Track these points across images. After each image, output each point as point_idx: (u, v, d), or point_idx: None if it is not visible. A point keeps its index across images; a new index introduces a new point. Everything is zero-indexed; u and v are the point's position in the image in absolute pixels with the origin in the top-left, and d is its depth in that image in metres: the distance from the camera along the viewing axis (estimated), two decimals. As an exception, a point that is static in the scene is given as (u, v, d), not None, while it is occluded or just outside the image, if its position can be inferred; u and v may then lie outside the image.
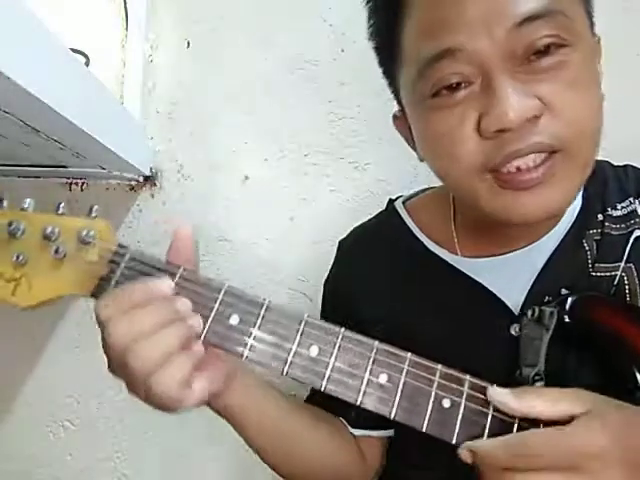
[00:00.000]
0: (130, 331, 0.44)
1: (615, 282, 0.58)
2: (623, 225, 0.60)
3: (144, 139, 1.04)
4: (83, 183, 1.04)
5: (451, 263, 0.64)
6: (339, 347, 0.48)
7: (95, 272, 0.50)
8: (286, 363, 0.47)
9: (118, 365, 0.46)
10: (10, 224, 0.50)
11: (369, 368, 0.48)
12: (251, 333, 0.48)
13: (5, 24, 0.53)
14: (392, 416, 0.47)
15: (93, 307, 0.47)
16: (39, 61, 0.61)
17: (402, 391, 0.47)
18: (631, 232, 0.59)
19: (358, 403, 0.47)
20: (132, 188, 1.05)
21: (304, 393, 0.75)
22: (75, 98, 0.69)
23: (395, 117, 0.64)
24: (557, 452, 0.43)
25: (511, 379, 0.55)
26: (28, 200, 0.52)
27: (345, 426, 0.70)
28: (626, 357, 0.52)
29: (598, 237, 0.60)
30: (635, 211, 0.61)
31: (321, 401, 0.69)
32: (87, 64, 0.92)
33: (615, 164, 0.66)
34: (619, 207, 0.61)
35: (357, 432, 0.70)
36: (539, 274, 0.60)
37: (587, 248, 0.60)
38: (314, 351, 0.48)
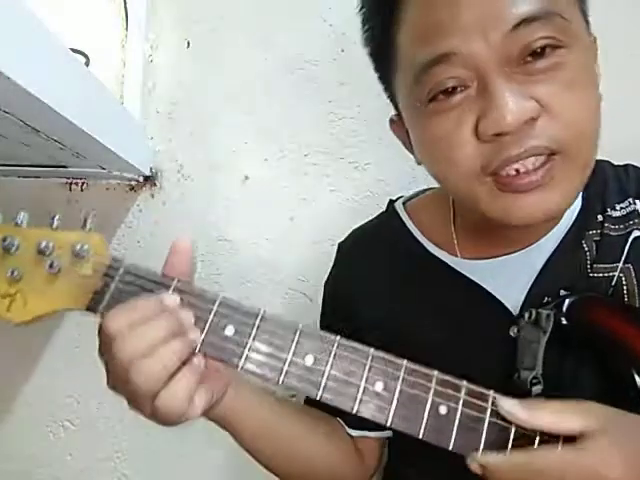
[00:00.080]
0: (139, 346, 0.44)
1: (613, 283, 0.58)
2: (622, 226, 0.60)
3: (144, 139, 1.04)
4: (83, 183, 1.04)
5: (451, 265, 0.64)
6: (334, 355, 0.48)
7: (89, 286, 0.50)
8: (281, 373, 0.47)
9: (122, 382, 0.45)
10: (4, 239, 0.50)
11: (365, 376, 0.47)
12: (246, 344, 0.48)
13: (5, 24, 0.53)
14: (388, 424, 0.47)
15: (99, 322, 0.47)
16: (39, 61, 0.61)
17: (398, 399, 0.47)
18: (630, 232, 0.59)
19: (354, 411, 0.47)
20: (132, 188, 1.04)
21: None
22: (75, 98, 0.69)
23: (392, 121, 0.64)
24: (566, 472, 0.43)
25: (509, 382, 0.55)
26: (22, 214, 0.52)
27: (342, 426, 0.70)
28: (624, 359, 0.52)
29: (597, 238, 0.60)
30: (634, 212, 0.61)
31: (319, 402, 0.69)
32: (87, 64, 0.92)
33: (615, 164, 0.66)
34: (618, 208, 0.61)
35: (354, 433, 0.70)
36: (538, 275, 0.60)
37: (586, 249, 0.60)
38: (309, 360, 0.48)
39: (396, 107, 0.61)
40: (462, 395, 0.47)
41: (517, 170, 0.49)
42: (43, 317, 0.51)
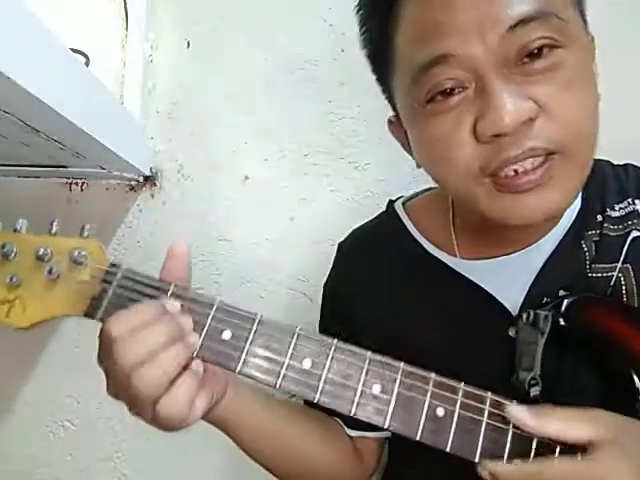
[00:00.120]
0: (141, 351, 0.44)
1: (612, 283, 0.58)
2: (621, 226, 0.60)
3: (144, 139, 1.04)
4: (83, 183, 1.04)
5: (450, 265, 0.64)
6: (332, 359, 0.48)
7: (87, 292, 0.50)
8: (279, 376, 0.48)
9: (123, 387, 0.45)
10: (3, 246, 0.50)
11: (362, 379, 0.48)
12: (244, 348, 0.48)
13: (5, 24, 0.53)
14: (386, 426, 0.47)
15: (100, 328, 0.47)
16: (39, 61, 0.61)
17: (396, 401, 0.47)
18: (629, 233, 0.59)
19: (352, 414, 0.47)
20: (132, 188, 1.05)
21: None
22: (75, 98, 0.69)
23: (390, 122, 0.64)
24: None
25: (508, 383, 0.55)
26: (21, 220, 0.52)
27: (342, 427, 0.70)
28: (623, 359, 0.52)
29: (597, 238, 0.60)
30: (633, 212, 0.60)
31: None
32: (87, 64, 0.92)
33: (615, 163, 0.66)
34: (617, 208, 0.61)
35: (353, 433, 0.70)
36: (537, 275, 0.60)
37: (586, 249, 0.60)
38: (307, 364, 0.48)
39: (394, 108, 0.61)
40: (459, 397, 0.48)
41: (515, 170, 0.49)
42: (42, 323, 0.51)
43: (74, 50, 0.81)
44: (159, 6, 1.06)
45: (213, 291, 1.02)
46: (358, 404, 0.47)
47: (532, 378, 0.53)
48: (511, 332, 0.58)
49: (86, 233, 0.53)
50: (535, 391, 0.53)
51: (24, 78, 0.55)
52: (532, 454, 0.46)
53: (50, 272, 0.50)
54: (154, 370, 0.44)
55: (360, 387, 0.47)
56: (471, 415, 0.47)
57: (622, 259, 0.58)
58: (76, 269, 0.51)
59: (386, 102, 0.62)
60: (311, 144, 1.02)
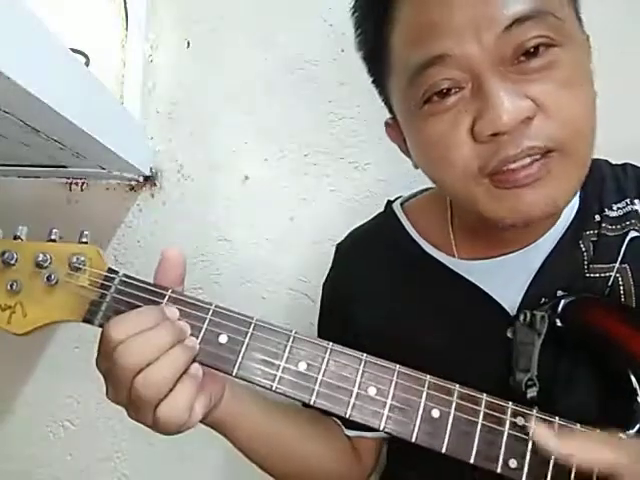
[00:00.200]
0: (142, 354, 0.45)
1: (610, 283, 0.58)
2: (619, 226, 0.60)
3: (144, 139, 1.04)
4: (83, 183, 1.04)
5: (448, 265, 0.64)
6: (327, 361, 0.49)
7: (86, 297, 0.51)
8: (275, 379, 0.48)
9: (123, 391, 0.46)
10: (3, 253, 0.52)
11: (358, 381, 0.48)
12: (240, 351, 0.49)
13: (5, 24, 0.53)
14: (381, 428, 0.47)
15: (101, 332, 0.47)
16: (39, 61, 0.60)
17: (391, 403, 0.48)
18: (627, 233, 0.59)
19: (347, 416, 0.47)
20: (132, 188, 1.04)
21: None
22: (75, 98, 0.69)
23: (387, 124, 0.64)
24: None
25: (507, 384, 0.55)
26: (21, 227, 0.54)
27: (339, 427, 0.70)
28: (620, 359, 0.52)
29: (594, 238, 0.60)
30: (632, 212, 0.60)
31: None
32: (87, 64, 0.92)
33: (614, 163, 0.66)
34: (615, 208, 0.61)
35: (351, 433, 0.70)
36: (535, 276, 0.60)
37: (584, 249, 0.60)
38: (302, 366, 0.48)
39: (391, 110, 0.61)
40: (454, 399, 0.48)
41: (513, 169, 0.49)
42: (42, 328, 0.52)
43: (74, 50, 0.81)
44: (159, 6, 1.06)
45: (213, 291, 1.02)
46: (354, 406, 0.47)
47: (529, 379, 0.53)
48: (509, 333, 0.58)
49: (84, 239, 0.53)
50: (532, 392, 0.53)
51: (24, 78, 0.55)
52: (528, 456, 0.46)
53: (49, 278, 0.51)
54: (155, 373, 0.45)
55: (356, 389, 0.48)
56: (466, 417, 0.47)
57: (620, 259, 0.58)
58: (75, 275, 0.52)
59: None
60: (311, 144, 1.02)
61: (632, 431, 0.49)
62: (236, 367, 0.48)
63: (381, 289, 0.68)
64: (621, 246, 0.59)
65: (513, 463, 0.46)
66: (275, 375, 0.48)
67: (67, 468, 1.05)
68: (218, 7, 1.05)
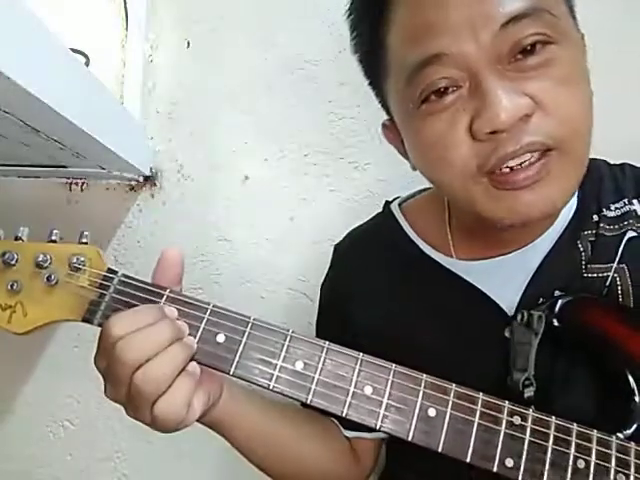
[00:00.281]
0: (142, 349, 0.45)
1: (607, 283, 0.58)
2: (617, 226, 0.60)
3: (144, 139, 1.04)
4: (83, 183, 1.04)
5: (446, 266, 0.64)
6: (324, 360, 0.49)
7: (85, 297, 0.52)
8: (272, 379, 0.48)
9: (122, 387, 0.46)
10: (4, 254, 0.52)
11: (354, 380, 0.48)
12: (237, 350, 0.49)
13: (5, 24, 0.53)
14: (378, 427, 0.47)
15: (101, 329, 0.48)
16: (39, 61, 0.61)
17: (387, 402, 0.48)
18: (625, 233, 0.59)
19: (344, 415, 0.47)
20: (132, 188, 1.05)
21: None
22: (75, 98, 0.70)
23: (385, 126, 0.63)
24: None
25: (504, 383, 0.55)
26: (22, 228, 0.54)
27: (338, 427, 0.70)
28: (618, 359, 0.52)
29: (592, 238, 0.60)
30: (630, 212, 0.60)
31: None
32: (87, 64, 0.92)
33: (612, 162, 0.66)
34: (613, 208, 0.61)
35: (350, 434, 0.70)
36: (533, 276, 0.60)
37: (581, 249, 0.60)
38: (299, 366, 0.49)
39: (388, 112, 0.61)
40: (451, 398, 0.48)
41: (511, 168, 0.49)
42: (42, 327, 0.53)
43: (74, 50, 0.81)
44: (159, 6, 1.06)
45: (213, 291, 1.02)
46: (350, 405, 0.48)
47: (526, 379, 0.53)
48: (506, 333, 0.58)
49: (84, 239, 0.54)
50: (529, 392, 0.53)
51: (24, 78, 0.55)
52: (524, 455, 0.46)
53: (49, 278, 0.52)
54: (155, 369, 0.45)
55: (352, 388, 0.48)
56: (463, 415, 0.47)
57: (618, 259, 0.58)
58: (75, 275, 0.52)
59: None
60: (311, 144, 1.02)
61: (629, 431, 0.49)
62: (233, 366, 0.49)
63: (379, 289, 0.68)
64: (619, 246, 0.58)
65: (509, 462, 0.46)
66: (272, 374, 0.48)
67: (67, 468, 1.05)
68: (218, 7, 1.05)
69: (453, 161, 0.50)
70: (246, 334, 0.49)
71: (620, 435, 0.48)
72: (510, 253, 0.61)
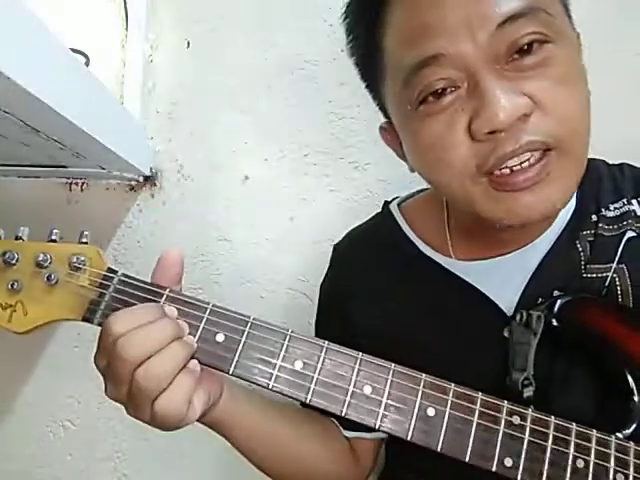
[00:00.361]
0: (143, 346, 0.45)
1: (607, 283, 0.58)
2: (616, 226, 0.60)
3: (144, 139, 1.04)
4: (83, 183, 1.05)
5: (445, 266, 0.64)
6: (323, 360, 0.49)
7: (85, 296, 0.52)
8: (271, 378, 0.48)
9: (123, 384, 0.46)
10: (4, 254, 0.53)
11: (353, 380, 0.48)
12: (237, 350, 0.49)
13: (5, 24, 0.53)
14: (377, 426, 0.47)
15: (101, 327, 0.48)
16: (39, 61, 0.61)
17: (386, 401, 0.48)
18: (624, 233, 0.59)
19: (343, 414, 0.47)
20: (132, 188, 1.05)
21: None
22: (75, 98, 0.70)
23: (382, 129, 0.64)
24: None
25: (504, 383, 0.55)
26: (22, 228, 0.54)
27: (337, 427, 0.70)
28: (617, 359, 0.52)
29: (591, 238, 0.60)
30: (629, 212, 0.60)
31: None
32: (87, 64, 0.92)
33: (610, 162, 0.66)
34: (612, 208, 0.61)
35: (349, 434, 0.70)
36: (532, 276, 0.60)
37: (580, 249, 0.60)
38: (299, 365, 0.49)
39: (385, 114, 0.61)
40: (450, 397, 0.48)
41: (511, 169, 0.49)
42: (42, 326, 0.53)
43: (74, 50, 0.81)
44: (159, 6, 1.06)
45: (213, 291, 1.02)
46: (349, 404, 0.48)
47: (525, 379, 0.53)
48: (505, 333, 0.58)
49: (84, 239, 0.54)
50: (528, 392, 0.53)
51: (24, 78, 0.55)
52: (523, 454, 0.46)
53: (49, 278, 0.52)
54: (157, 365, 0.45)
55: (351, 388, 0.48)
56: (462, 415, 0.47)
57: (617, 259, 0.58)
58: (75, 275, 0.52)
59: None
60: (311, 144, 1.02)
61: (628, 431, 0.49)
62: (233, 365, 0.49)
63: (378, 289, 0.68)
64: (618, 246, 0.58)
65: (508, 462, 0.46)
66: (272, 374, 0.48)
67: (67, 468, 1.05)
68: (218, 7, 1.05)
69: (452, 162, 0.50)
70: (245, 334, 0.49)
71: (619, 435, 0.48)
72: (509, 253, 0.61)
